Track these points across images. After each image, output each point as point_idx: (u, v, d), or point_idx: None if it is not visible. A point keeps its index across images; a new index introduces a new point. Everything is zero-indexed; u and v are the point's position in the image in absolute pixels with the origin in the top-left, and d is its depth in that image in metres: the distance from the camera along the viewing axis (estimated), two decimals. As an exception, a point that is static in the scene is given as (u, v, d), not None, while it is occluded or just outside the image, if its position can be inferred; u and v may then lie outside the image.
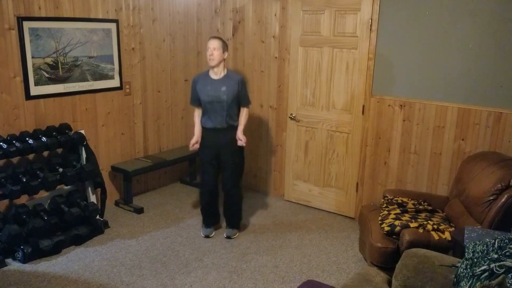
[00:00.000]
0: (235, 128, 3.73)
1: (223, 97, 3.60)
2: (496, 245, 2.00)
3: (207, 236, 3.88)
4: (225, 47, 3.64)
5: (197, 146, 3.81)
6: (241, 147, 3.78)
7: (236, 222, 3.95)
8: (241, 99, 3.72)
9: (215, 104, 3.62)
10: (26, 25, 3.58)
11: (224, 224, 4.07)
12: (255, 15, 4.57)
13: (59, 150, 3.97)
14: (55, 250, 3.52)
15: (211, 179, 3.80)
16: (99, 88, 4.23)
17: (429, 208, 3.29)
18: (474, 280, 1.88)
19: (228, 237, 3.88)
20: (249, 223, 4.17)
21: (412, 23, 3.66)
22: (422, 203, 3.38)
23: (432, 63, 3.62)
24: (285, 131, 4.61)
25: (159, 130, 4.96)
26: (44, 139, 3.60)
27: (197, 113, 3.84)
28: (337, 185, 4.37)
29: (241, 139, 3.71)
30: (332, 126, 4.28)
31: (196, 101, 3.76)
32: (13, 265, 3.35)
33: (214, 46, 3.57)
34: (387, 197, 3.52)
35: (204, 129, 3.76)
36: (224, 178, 3.82)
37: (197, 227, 4.07)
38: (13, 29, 3.52)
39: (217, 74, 3.65)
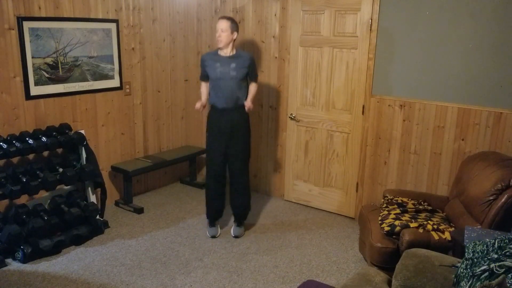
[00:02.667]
0: (243, 108, 3.68)
1: (233, 73, 3.59)
2: (496, 245, 2.00)
3: (213, 237, 3.86)
4: (234, 27, 3.61)
5: (201, 108, 3.69)
6: (249, 129, 3.78)
7: (244, 214, 3.92)
8: (250, 75, 3.72)
9: (223, 81, 3.59)
10: (26, 25, 3.58)
11: (227, 223, 4.07)
12: (255, 15, 4.57)
13: (59, 150, 3.97)
14: (55, 250, 3.52)
15: (218, 167, 3.75)
16: (99, 88, 4.23)
17: (429, 208, 3.29)
18: (474, 280, 1.88)
19: (236, 236, 3.87)
20: (249, 223, 4.17)
21: (412, 23, 3.66)
22: (422, 203, 3.38)
23: (432, 63, 3.62)
24: (285, 131, 4.61)
25: (159, 130, 4.96)
26: (44, 139, 3.60)
27: (205, 85, 3.81)
28: (337, 185, 4.37)
29: (247, 105, 3.64)
30: (332, 126, 4.28)
31: (205, 77, 3.75)
32: (13, 265, 3.35)
33: (221, 27, 3.56)
34: (387, 197, 3.52)
35: (211, 109, 3.72)
36: (231, 164, 3.77)
37: (197, 227, 4.07)
38: (13, 29, 3.52)
39: (227, 52, 3.65)
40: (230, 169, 3.81)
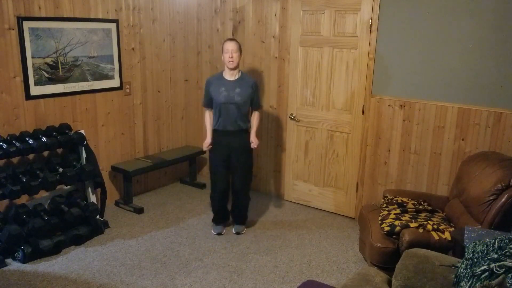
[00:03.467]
0: (246, 131, 3.78)
1: (237, 98, 3.64)
2: (496, 245, 2.00)
3: (219, 234, 3.94)
4: (241, 49, 3.71)
5: (210, 147, 3.81)
6: (251, 150, 3.85)
7: (244, 220, 4.05)
8: (253, 102, 3.77)
9: (228, 105, 3.65)
10: (26, 25, 3.58)
11: (230, 222, 4.09)
12: (255, 15, 4.57)
13: (59, 150, 3.97)
14: (55, 250, 3.52)
15: (222, 181, 3.84)
16: (99, 88, 4.23)
17: (429, 208, 3.29)
18: (474, 280, 1.88)
19: (238, 233, 3.96)
20: (249, 223, 4.17)
21: (412, 23, 3.66)
22: (422, 203, 3.38)
23: (432, 63, 3.62)
24: (285, 131, 4.61)
25: (159, 130, 4.96)
26: (44, 139, 3.60)
27: (208, 115, 3.86)
28: (337, 185, 4.37)
29: (253, 141, 3.79)
30: (332, 126, 4.28)
31: (209, 102, 3.79)
32: (13, 265, 3.35)
33: (233, 48, 3.61)
34: (387, 197, 3.52)
35: (215, 131, 3.78)
36: (234, 180, 3.87)
37: (197, 227, 4.07)
38: (13, 29, 3.52)
39: (232, 76, 3.69)
40: (233, 183, 3.90)
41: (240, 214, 3.99)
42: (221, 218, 4.00)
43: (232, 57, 3.60)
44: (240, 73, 3.74)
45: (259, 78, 4.66)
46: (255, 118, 3.86)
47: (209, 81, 3.78)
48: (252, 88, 3.72)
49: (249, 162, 3.88)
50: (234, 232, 3.96)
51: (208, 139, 3.83)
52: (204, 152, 3.96)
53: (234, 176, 3.86)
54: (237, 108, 3.66)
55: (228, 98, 3.64)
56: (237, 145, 3.75)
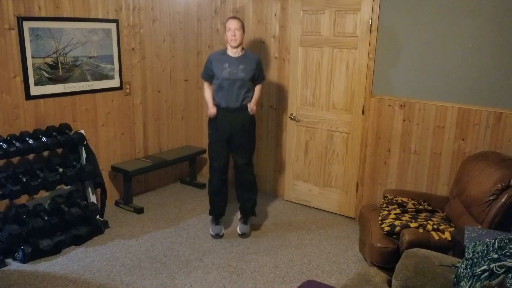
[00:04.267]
0: (248, 109, 3.71)
1: (241, 74, 3.61)
2: (496, 245, 2.00)
3: (217, 235, 3.86)
4: (243, 27, 3.67)
5: (215, 111, 3.69)
6: (254, 129, 3.80)
7: (252, 208, 3.95)
8: (257, 77, 3.74)
9: (231, 82, 3.61)
10: (26, 25, 3.58)
11: (229, 224, 4.07)
12: (255, 15, 4.57)
13: (59, 150, 3.97)
14: (55, 250, 3.52)
15: (222, 160, 3.77)
16: (99, 88, 4.23)
17: (429, 208, 3.29)
18: (474, 280, 1.88)
19: (243, 234, 3.87)
20: (249, 223, 4.16)
21: (412, 23, 3.66)
22: (422, 203, 3.38)
23: (432, 63, 3.62)
24: (285, 131, 4.61)
25: (159, 130, 4.96)
26: (44, 139, 3.60)
27: (207, 86, 3.82)
28: (337, 185, 4.37)
29: (252, 108, 3.70)
30: (332, 126, 4.28)
31: (208, 76, 3.76)
32: (13, 265, 3.35)
33: (236, 26, 3.58)
34: (387, 197, 3.52)
35: (217, 108, 3.71)
36: (237, 157, 3.79)
37: (197, 227, 4.07)
38: (13, 29, 3.52)
39: (235, 53, 3.67)
40: (236, 165, 3.82)
41: (248, 198, 3.87)
42: (218, 209, 3.90)
43: (234, 35, 3.57)
44: (243, 51, 3.70)
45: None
46: (257, 89, 3.80)
47: (211, 57, 3.72)
48: (256, 64, 3.69)
49: (252, 141, 3.82)
50: (240, 233, 3.88)
51: (213, 109, 3.69)
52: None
53: (236, 154, 3.77)
54: (241, 84, 3.61)
55: (232, 74, 3.60)
56: (240, 123, 3.68)
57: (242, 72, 3.61)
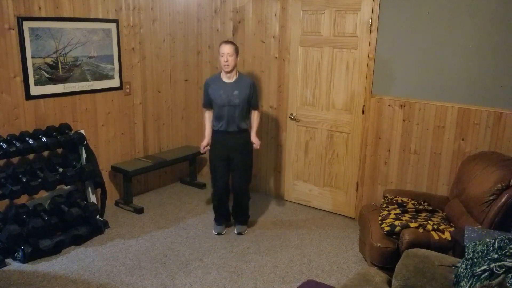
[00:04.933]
0: (246, 130, 3.79)
1: (236, 101, 3.65)
2: (496, 245, 2.00)
3: (219, 234, 3.94)
4: (237, 51, 3.68)
5: (208, 148, 3.86)
6: (251, 150, 3.86)
7: (245, 220, 4.05)
8: (251, 100, 3.77)
9: (227, 107, 3.66)
10: (26, 25, 3.58)
11: (229, 224, 4.09)
12: (255, 15, 4.57)
13: (59, 150, 3.97)
14: (55, 250, 3.52)
15: (222, 180, 3.85)
16: (99, 88, 4.23)
17: (429, 208, 3.29)
18: (474, 280, 1.88)
19: (240, 233, 3.95)
20: (249, 223, 4.17)
21: (412, 23, 3.66)
22: (422, 203, 3.38)
23: (432, 63, 3.62)
24: (285, 131, 4.61)
25: (159, 130, 4.96)
26: (44, 139, 3.60)
27: (208, 115, 3.88)
28: (337, 185, 4.37)
29: (255, 142, 3.82)
30: (332, 126, 4.28)
31: (209, 103, 3.80)
32: (13, 265, 3.35)
33: (228, 52, 3.59)
34: (387, 197, 3.52)
35: (214, 132, 3.80)
36: (234, 179, 3.87)
37: (197, 227, 4.07)
38: (13, 29, 3.52)
39: (230, 78, 3.69)
40: (233, 182, 3.91)
41: (241, 214, 4.00)
42: (222, 218, 4.00)
43: (227, 61, 3.59)
44: (237, 74, 3.74)
45: (259, 78, 4.66)
46: (254, 118, 3.86)
47: (208, 82, 3.78)
48: (250, 89, 3.72)
49: (249, 162, 3.89)
50: (236, 232, 3.96)
51: (205, 141, 3.85)
52: (204, 152, 3.95)
53: (234, 176, 3.87)
54: (237, 109, 3.66)
55: (227, 101, 3.65)
56: (237, 145, 3.75)
57: (237, 98, 3.65)
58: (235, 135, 3.73)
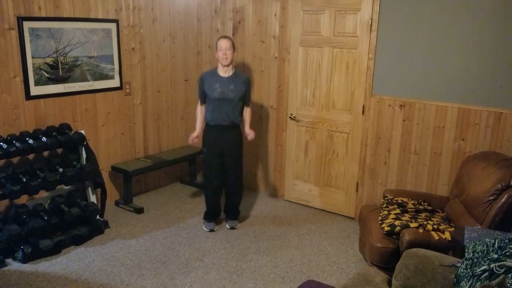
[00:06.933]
0: (238, 126, 3.86)
1: (231, 95, 3.72)
2: (496, 245, 2.00)
3: (211, 230, 3.98)
4: (234, 46, 3.78)
5: (196, 140, 3.94)
6: (242, 145, 3.95)
7: (237, 215, 4.13)
8: (245, 96, 3.85)
9: (222, 101, 3.72)
10: (26, 25, 3.58)
11: (222, 221, 4.11)
12: (255, 15, 4.57)
13: (59, 150, 3.97)
14: (55, 250, 3.52)
15: (216, 176, 3.91)
16: (99, 88, 4.23)
17: (429, 208, 3.29)
18: (474, 280, 1.88)
19: (232, 228, 4.02)
20: (249, 223, 4.17)
21: (412, 23, 3.66)
22: (422, 203, 3.38)
23: (432, 63, 3.62)
24: (285, 131, 4.61)
25: (159, 130, 4.96)
26: (44, 139, 3.60)
27: (200, 109, 3.95)
28: (337, 185, 4.37)
29: (249, 133, 3.93)
30: (332, 126, 4.28)
31: (203, 98, 3.87)
32: (13, 265, 3.35)
33: (226, 46, 3.68)
34: (387, 197, 3.52)
35: (208, 126, 3.86)
36: (229, 175, 3.93)
37: (197, 227, 4.07)
38: (13, 29, 3.52)
39: (226, 72, 3.76)
40: (227, 178, 3.98)
41: (233, 210, 4.07)
42: (213, 214, 4.05)
43: (225, 54, 3.67)
44: (233, 70, 3.81)
45: (259, 78, 4.67)
46: (247, 113, 3.97)
47: (203, 76, 3.83)
48: (245, 85, 3.81)
49: (241, 157, 3.99)
50: (229, 227, 4.02)
51: (195, 133, 3.94)
52: (192, 143, 4.00)
53: (228, 171, 3.92)
54: (231, 104, 3.73)
55: (223, 95, 3.71)
56: (231, 140, 3.84)
57: (233, 92, 3.72)
58: (228, 129, 3.80)
